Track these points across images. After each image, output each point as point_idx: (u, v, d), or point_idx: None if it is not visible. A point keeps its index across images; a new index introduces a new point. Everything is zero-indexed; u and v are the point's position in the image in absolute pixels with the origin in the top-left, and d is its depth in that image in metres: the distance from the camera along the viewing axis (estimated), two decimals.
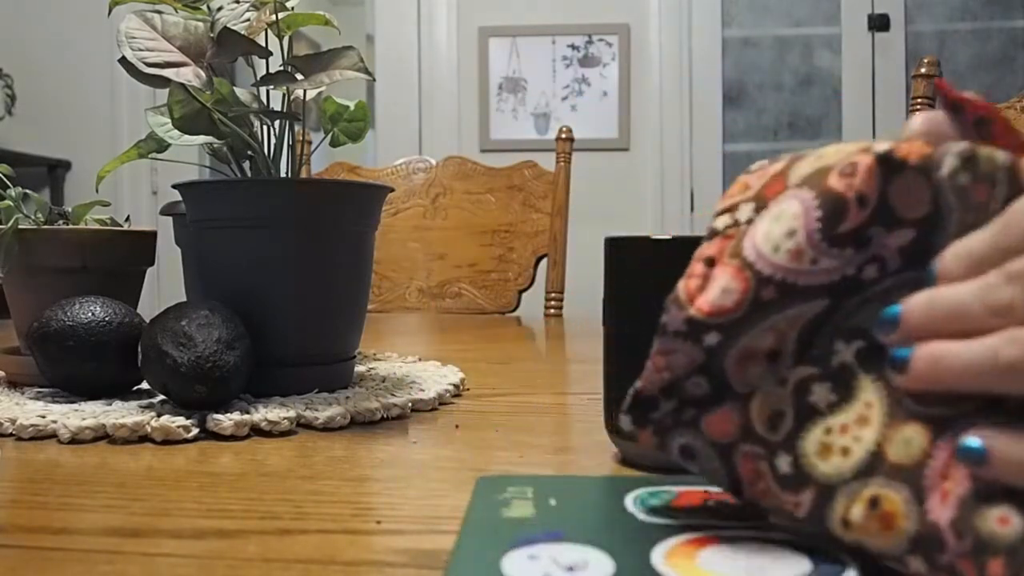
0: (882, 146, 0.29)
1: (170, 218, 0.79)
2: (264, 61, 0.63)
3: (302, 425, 0.55)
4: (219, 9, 0.64)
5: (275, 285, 0.61)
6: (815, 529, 0.29)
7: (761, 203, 0.31)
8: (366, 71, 0.62)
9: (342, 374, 0.65)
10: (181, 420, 0.52)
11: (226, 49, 0.62)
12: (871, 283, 0.29)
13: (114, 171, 0.69)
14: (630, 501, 0.35)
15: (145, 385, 0.65)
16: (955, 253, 0.27)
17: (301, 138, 0.68)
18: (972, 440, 0.25)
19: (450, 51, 2.94)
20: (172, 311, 0.57)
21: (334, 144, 0.71)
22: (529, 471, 0.45)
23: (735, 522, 0.32)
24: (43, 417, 0.54)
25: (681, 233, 0.46)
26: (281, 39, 0.63)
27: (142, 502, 0.40)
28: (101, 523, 0.37)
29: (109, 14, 0.67)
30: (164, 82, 0.60)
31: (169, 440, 0.51)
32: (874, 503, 0.27)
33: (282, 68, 0.63)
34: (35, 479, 0.45)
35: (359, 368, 0.75)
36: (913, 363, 0.27)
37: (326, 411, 0.56)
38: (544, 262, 1.58)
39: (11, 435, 0.53)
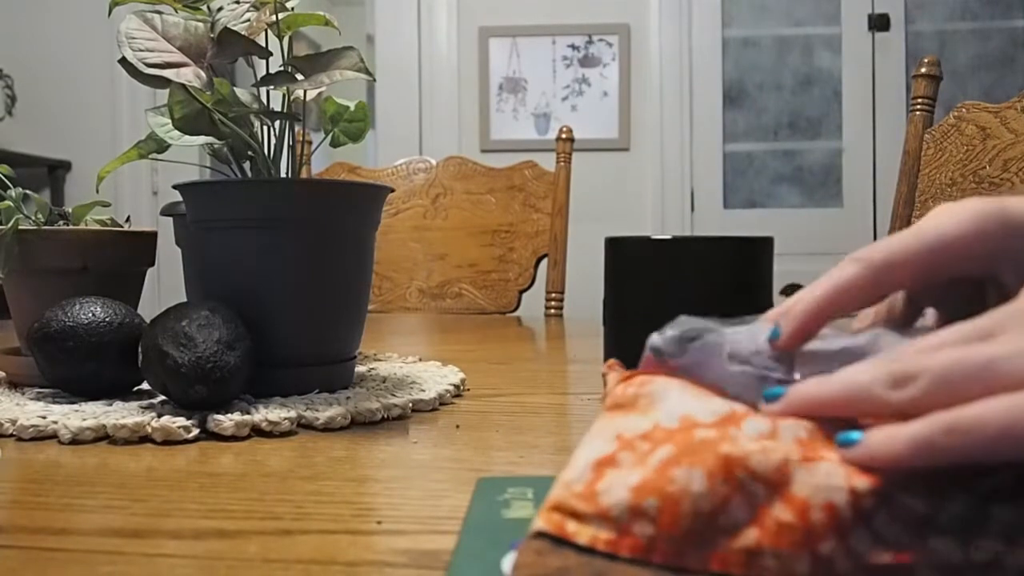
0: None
1: (170, 218, 0.79)
2: (264, 61, 0.63)
3: (303, 425, 0.55)
4: (219, 9, 0.64)
5: (275, 285, 0.61)
6: None
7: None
8: (366, 71, 0.62)
9: (343, 374, 0.65)
10: (182, 420, 0.52)
11: (226, 49, 0.62)
12: None
13: (114, 171, 0.69)
14: None
15: (145, 385, 0.65)
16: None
17: (301, 138, 0.68)
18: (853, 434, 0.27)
19: (450, 51, 2.93)
20: (172, 311, 0.57)
21: (334, 144, 0.71)
22: (529, 472, 0.45)
23: None
24: (44, 418, 0.54)
25: (681, 233, 0.46)
26: (281, 39, 0.63)
27: (143, 503, 0.40)
28: (102, 524, 0.37)
29: (109, 14, 0.67)
30: (164, 82, 0.60)
31: (170, 440, 0.51)
32: None
33: (282, 68, 0.63)
34: (36, 480, 0.45)
35: (359, 368, 0.75)
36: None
37: (327, 411, 0.56)
38: (544, 262, 1.58)
39: (12, 436, 0.53)
